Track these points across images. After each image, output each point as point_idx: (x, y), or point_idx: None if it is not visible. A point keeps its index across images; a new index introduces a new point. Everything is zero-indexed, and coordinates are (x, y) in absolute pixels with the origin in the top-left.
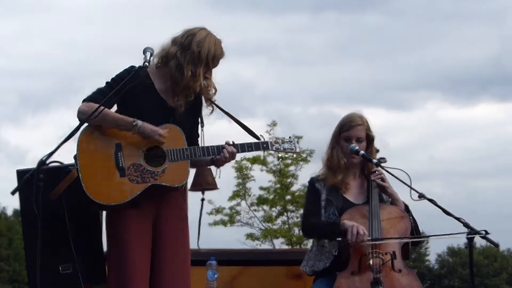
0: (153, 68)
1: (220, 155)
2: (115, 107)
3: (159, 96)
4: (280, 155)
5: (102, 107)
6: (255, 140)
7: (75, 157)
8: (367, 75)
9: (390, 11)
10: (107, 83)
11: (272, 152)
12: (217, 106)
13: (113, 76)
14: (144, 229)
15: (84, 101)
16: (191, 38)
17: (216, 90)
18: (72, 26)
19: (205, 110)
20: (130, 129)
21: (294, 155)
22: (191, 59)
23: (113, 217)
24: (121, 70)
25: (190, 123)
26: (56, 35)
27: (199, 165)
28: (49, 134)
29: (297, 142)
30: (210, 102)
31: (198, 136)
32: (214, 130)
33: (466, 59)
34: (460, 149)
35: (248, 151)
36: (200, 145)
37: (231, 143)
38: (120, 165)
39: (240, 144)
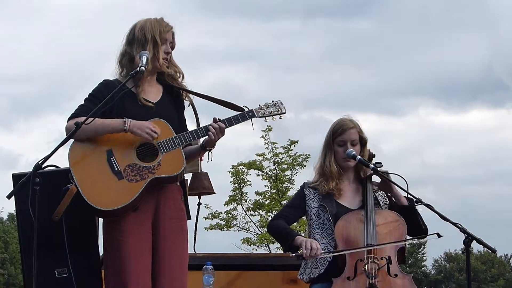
0: (122, 77)
1: (208, 134)
2: None
3: (138, 97)
4: (267, 120)
5: (93, 113)
6: (240, 112)
7: (70, 176)
8: (358, 81)
9: (381, 18)
10: (86, 99)
11: (260, 118)
12: (193, 92)
13: (90, 91)
14: (143, 230)
15: (69, 119)
16: (133, 30)
17: (183, 76)
18: (63, 31)
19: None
20: (122, 128)
21: (282, 117)
22: (139, 45)
23: (111, 222)
24: (96, 84)
25: (176, 118)
26: (47, 39)
27: (192, 158)
28: (41, 139)
29: (281, 103)
30: (185, 92)
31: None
32: None
33: (458, 65)
34: (452, 155)
35: (236, 123)
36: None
37: (218, 119)
38: (116, 169)
39: (226, 118)
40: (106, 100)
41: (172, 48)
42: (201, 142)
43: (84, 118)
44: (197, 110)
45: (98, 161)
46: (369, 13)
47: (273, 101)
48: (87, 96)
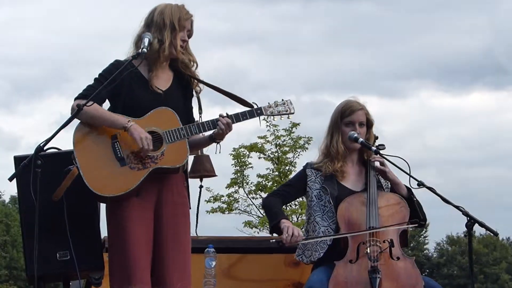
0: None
1: (216, 128)
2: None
3: (148, 83)
4: (275, 119)
5: (96, 93)
6: (249, 108)
7: (73, 157)
8: (360, 63)
9: (382, 0)
10: (95, 79)
11: (268, 116)
12: (204, 83)
13: (100, 71)
14: (145, 217)
15: (76, 99)
16: (152, 14)
17: (197, 65)
18: (64, 13)
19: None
20: (123, 126)
21: (290, 117)
22: (157, 29)
23: (113, 206)
24: (107, 65)
25: (183, 107)
26: (48, 22)
27: (198, 147)
28: (41, 121)
29: (291, 103)
30: (197, 81)
31: (193, 121)
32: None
33: (459, 48)
34: (452, 137)
35: (243, 119)
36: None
37: (225, 114)
38: (119, 155)
39: (234, 114)
40: (109, 80)
41: (189, 36)
42: (210, 134)
43: (88, 100)
44: (200, 97)
45: (102, 145)
46: None
47: (282, 99)
48: (96, 76)
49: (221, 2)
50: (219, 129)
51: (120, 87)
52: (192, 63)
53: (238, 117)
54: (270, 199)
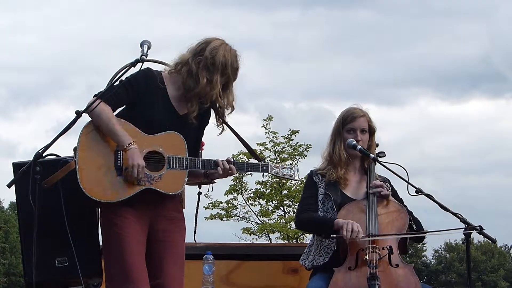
0: (167, 74)
1: (216, 169)
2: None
3: (170, 103)
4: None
5: (99, 100)
6: (255, 161)
7: (74, 149)
8: (358, 71)
9: (381, 8)
10: (120, 81)
11: (271, 175)
12: (228, 126)
13: (129, 76)
14: (139, 229)
15: (95, 96)
16: (205, 46)
17: (233, 109)
18: (63, 20)
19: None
20: (122, 145)
21: (293, 182)
22: (204, 66)
23: (108, 213)
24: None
25: (196, 136)
26: (47, 29)
27: (193, 177)
28: (39, 128)
29: (297, 170)
30: (222, 121)
31: (199, 150)
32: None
33: (457, 56)
34: (451, 145)
35: (247, 171)
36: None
37: (231, 160)
38: (119, 164)
39: (240, 162)
40: (114, 81)
41: (229, 82)
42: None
43: (90, 104)
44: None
45: (106, 149)
46: (369, 3)
47: (291, 164)
48: (123, 79)
49: (218, 9)
50: (218, 170)
51: (140, 98)
52: (227, 106)
53: (243, 167)
54: (306, 215)
